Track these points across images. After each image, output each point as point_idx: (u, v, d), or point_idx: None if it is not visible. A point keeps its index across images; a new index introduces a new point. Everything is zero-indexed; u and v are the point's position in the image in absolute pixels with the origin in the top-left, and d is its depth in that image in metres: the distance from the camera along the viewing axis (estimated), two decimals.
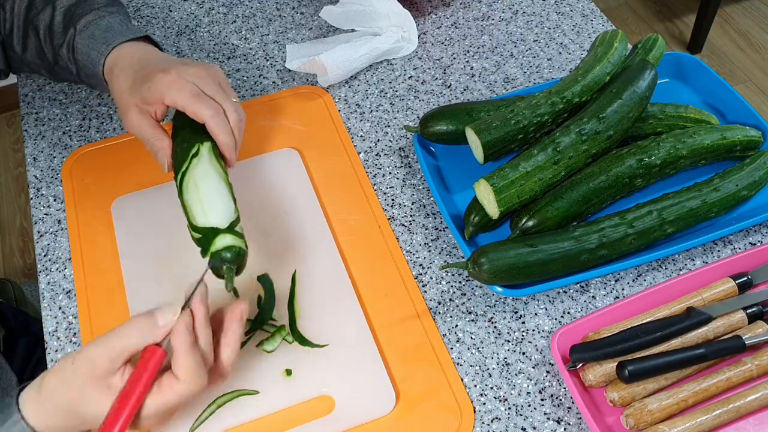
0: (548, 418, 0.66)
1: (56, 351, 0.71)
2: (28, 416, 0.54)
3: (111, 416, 0.53)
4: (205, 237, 0.63)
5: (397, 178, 0.84)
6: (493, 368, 0.69)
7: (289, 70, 0.96)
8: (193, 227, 0.64)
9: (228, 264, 0.62)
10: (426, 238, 0.79)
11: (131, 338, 0.55)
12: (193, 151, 0.68)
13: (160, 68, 0.70)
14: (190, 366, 0.55)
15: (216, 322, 0.60)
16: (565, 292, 0.74)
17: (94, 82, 0.80)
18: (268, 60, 0.98)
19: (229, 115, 0.70)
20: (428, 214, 0.81)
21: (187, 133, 0.70)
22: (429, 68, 0.96)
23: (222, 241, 0.62)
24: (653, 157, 0.76)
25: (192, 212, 0.65)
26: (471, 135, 0.77)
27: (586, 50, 0.97)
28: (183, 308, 0.57)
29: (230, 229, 0.63)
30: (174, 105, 0.69)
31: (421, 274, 0.76)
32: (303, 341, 0.70)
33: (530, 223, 0.73)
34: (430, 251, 0.78)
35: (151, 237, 0.78)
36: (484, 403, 0.67)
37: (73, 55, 0.78)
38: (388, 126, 0.90)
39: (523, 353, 0.70)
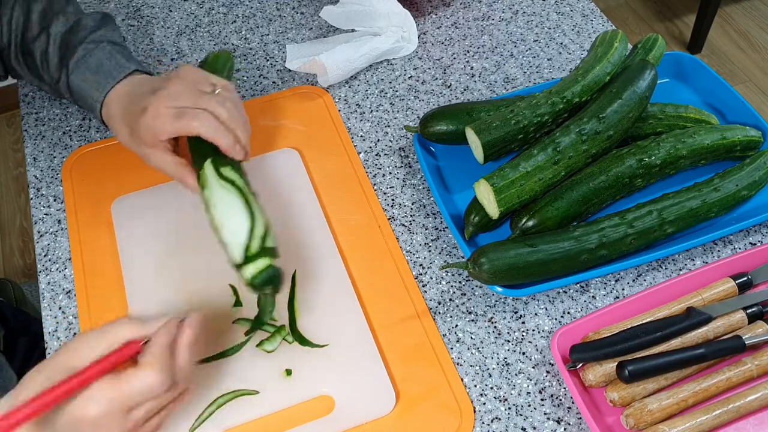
0: (548, 418, 0.66)
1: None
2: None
3: (53, 387, 0.51)
4: (237, 267, 0.64)
5: (397, 178, 0.84)
6: (493, 368, 0.69)
7: (289, 70, 0.96)
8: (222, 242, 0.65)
9: (262, 290, 0.63)
10: (426, 238, 0.79)
11: (116, 333, 0.54)
12: (200, 180, 0.68)
13: (140, 109, 0.70)
14: (157, 355, 0.54)
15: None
16: (565, 292, 0.74)
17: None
18: (268, 60, 0.98)
19: (217, 113, 0.69)
20: (428, 214, 0.81)
21: (195, 157, 0.71)
22: (429, 68, 0.96)
23: (248, 272, 0.62)
24: (653, 157, 0.76)
25: (221, 229, 0.65)
26: (471, 135, 0.77)
27: (586, 50, 0.97)
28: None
29: (250, 256, 0.62)
30: (168, 136, 0.69)
31: (421, 274, 0.76)
32: (303, 341, 0.70)
33: (530, 223, 0.73)
34: (430, 251, 0.78)
35: (151, 237, 0.78)
36: (484, 403, 0.67)
37: (71, 95, 0.79)
38: (388, 126, 0.90)
39: (523, 353, 0.70)
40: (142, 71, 0.79)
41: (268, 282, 0.63)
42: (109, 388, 0.52)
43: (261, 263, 0.62)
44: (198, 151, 0.71)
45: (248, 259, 0.62)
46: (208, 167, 0.68)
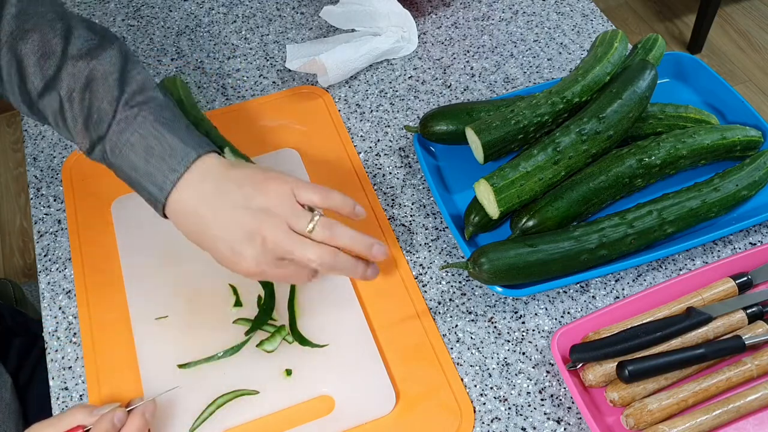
0: (548, 418, 0.66)
1: (56, 351, 0.71)
2: None
3: None
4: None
5: (397, 178, 0.84)
6: (493, 368, 0.69)
7: (289, 70, 0.96)
8: None
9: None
10: (426, 238, 0.79)
11: (68, 421, 0.58)
12: None
13: (229, 250, 0.61)
14: None
15: None
16: (565, 292, 0.74)
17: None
18: (268, 60, 0.98)
19: (323, 263, 0.61)
20: (428, 214, 0.81)
21: None
22: (429, 68, 0.96)
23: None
24: (653, 157, 0.76)
25: None
26: (471, 135, 0.77)
27: (586, 50, 0.97)
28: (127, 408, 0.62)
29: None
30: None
31: (421, 274, 0.76)
32: (303, 341, 0.70)
33: (530, 223, 0.73)
34: (430, 251, 0.78)
35: (151, 237, 0.78)
36: (484, 403, 0.67)
37: (115, 171, 0.66)
38: (388, 126, 0.90)
39: (523, 353, 0.70)
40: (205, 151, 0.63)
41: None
42: None
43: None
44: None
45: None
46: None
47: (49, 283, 0.77)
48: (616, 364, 0.65)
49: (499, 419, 0.66)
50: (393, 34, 0.94)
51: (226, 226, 0.60)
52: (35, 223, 0.82)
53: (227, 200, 0.61)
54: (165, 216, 0.64)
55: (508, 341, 0.71)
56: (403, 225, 0.80)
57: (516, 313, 0.73)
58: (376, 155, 0.87)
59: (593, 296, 0.74)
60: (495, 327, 0.72)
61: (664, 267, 0.76)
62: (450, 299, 0.74)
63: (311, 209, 0.63)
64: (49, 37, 0.63)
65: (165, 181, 0.61)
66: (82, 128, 0.63)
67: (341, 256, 0.62)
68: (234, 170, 0.63)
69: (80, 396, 0.68)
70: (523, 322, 0.72)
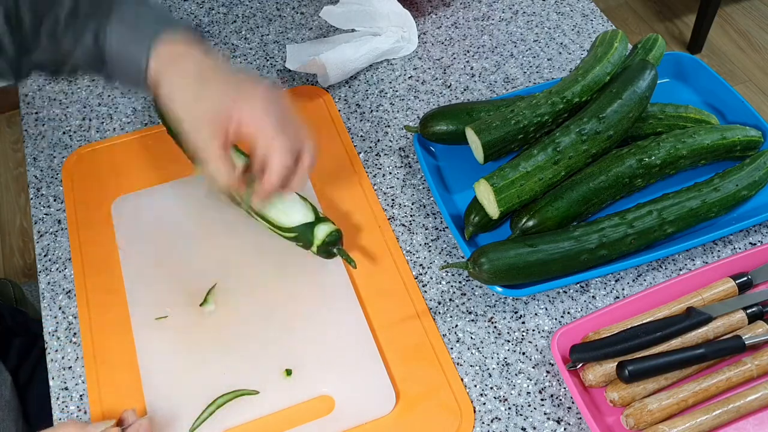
0: (548, 418, 0.66)
1: (56, 351, 0.71)
2: None
3: None
4: (302, 234, 0.72)
5: (397, 178, 0.84)
6: (493, 368, 0.69)
7: (289, 70, 0.96)
8: (284, 230, 0.72)
9: (337, 246, 0.72)
10: (426, 238, 0.79)
11: None
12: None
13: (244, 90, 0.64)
14: None
15: None
16: (565, 292, 0.74)
17: (121, 79, 0.69)
18: (268, 60, 0.98)
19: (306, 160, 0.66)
20: (428, 214, 0.81)
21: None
22: (429, 68, 0.96)
23: (322, 232, 0.71)
24: (653, 157, 0.76)
25: (277, 220, 0.72)
26: (471, 135, 0.77)
27: (586, 50, 0.97)
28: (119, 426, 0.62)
29: (319, 218, 0.72)
30: (248, 134, 0.64)
31: (421, 274, 0.76)
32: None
33: (530, 223, 0.73)
34: (430, 251, 0.78)
35: (151, 237, 0.78)
36: (484, 403, 0.67)
37: (96, 46, 0.66)
38: (388, 126, 0.90)
39: (523, 353, 0.70)
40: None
41: (339, 237, 0.72)
42: None
43: (329, 222, 0.73)
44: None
45: (317, 216, 0.72)
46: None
47: (49, 283, 0.77)
48: (616, 364, 0.65)
49: (499, 419, 0.66)
50: (393, 34, 0.94)
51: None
52: (35, 223, 0.82)
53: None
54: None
55: (508, 341, 0.71)
56: (403, 225, 0.80)
57: (516, 313, 0.73)
58: (376, 155, 0.87)
59: (593, 296, 0.74)
60: (495, 327, 0.72)
61: (664, 267, 0.76)
62: (450, 299, 0.74)
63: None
64: None
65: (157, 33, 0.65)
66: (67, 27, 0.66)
67: None
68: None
69: (80, 396, 0.68)
70: (523, 322, 0.72)
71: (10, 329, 1.01)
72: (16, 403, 0.87)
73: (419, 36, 1.00)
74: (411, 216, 0.81)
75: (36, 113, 0.93)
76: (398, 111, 0.91)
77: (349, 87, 0.94)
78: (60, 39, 0.67)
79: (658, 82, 0.87)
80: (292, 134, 0.65)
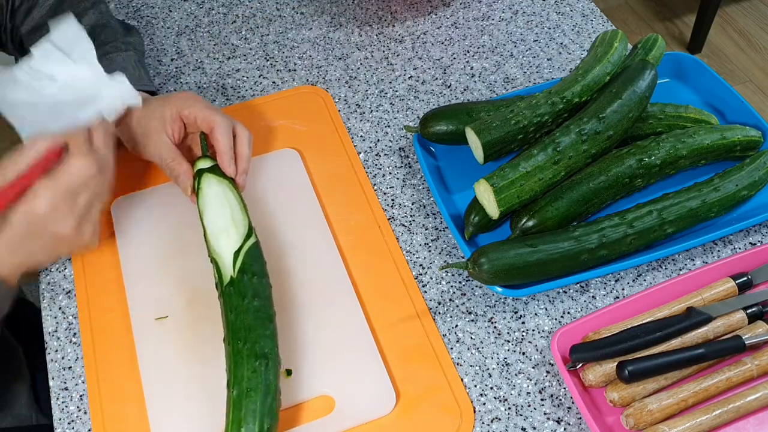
0: (548, 418, 0.66)
1: (56, 351, 0.71)
2: None
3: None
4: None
5: (397, 178, 0.84)
6: (493, 368, 0.69)
7: (290, 70, 0.96)
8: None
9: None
10: (426, 238, 0.79)
11: (34, 148, 0.59)
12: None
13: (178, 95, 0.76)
14: (81, 147, 0.60)
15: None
16: (565, 292, 0.74)
17: None
18: (268, 60, 0.98)
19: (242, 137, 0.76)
20: (428, 214, 0.81)
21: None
22: (429, 68, 0.96)
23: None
24: (653, 157, 0.76)
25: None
26: (471, 135, 0.77)
27: (586, 50, 0.97)
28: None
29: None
30: (190, 115, 0.75)
31: (421, 274, 0.76)
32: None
33: (530, 223, 0.73)
34: (430, 251, 0.78)
35: (151, 237, 0.78)
36: (484, 403, 0.67)
37: None
38: (388, 126, 0.90)
39: (523, 353, 0.70)
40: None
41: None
42: (51, 183, 0.58)
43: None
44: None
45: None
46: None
47: (49, 283, 0.77)
48: (616, 364, 0.65)
49: (499, 419, 0.66)
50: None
51: None
52: None
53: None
54: None
55: (508, 341, 0.71)
56: (403, 225, 0.80)
57: (516, 313, 0.73)
58: (376, 155, 0.87)
59: (593, 296, 0.74)
60: (495, 327, 0.72)
61: (664, 267, 0.76)
62: (450, 299, 0.74)
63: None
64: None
65: None
66: None
67: None
68: None
69: (80, 396, 0.68)
70: (523, 322, 0.72)
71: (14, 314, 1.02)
72: (27, 371, 0.90)
73: (419, 36, 1.00)
74: (411, 216, 0.81)
75: None
76: (398, 111, 0.91)
77: (349, 87, 0.94)
78: None
79: (658, 82, 0.87)
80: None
